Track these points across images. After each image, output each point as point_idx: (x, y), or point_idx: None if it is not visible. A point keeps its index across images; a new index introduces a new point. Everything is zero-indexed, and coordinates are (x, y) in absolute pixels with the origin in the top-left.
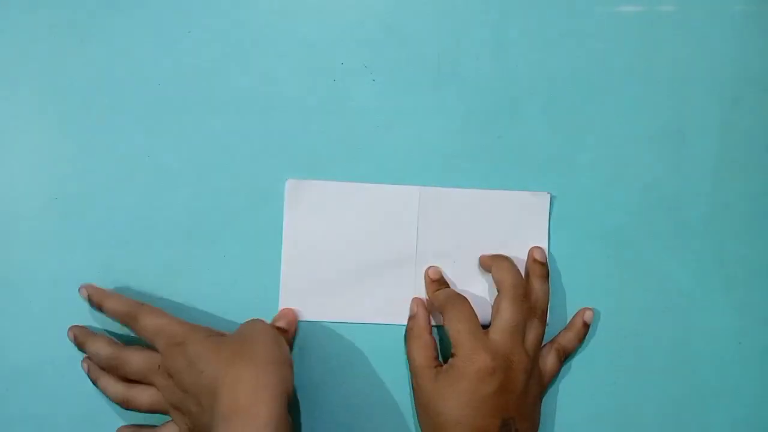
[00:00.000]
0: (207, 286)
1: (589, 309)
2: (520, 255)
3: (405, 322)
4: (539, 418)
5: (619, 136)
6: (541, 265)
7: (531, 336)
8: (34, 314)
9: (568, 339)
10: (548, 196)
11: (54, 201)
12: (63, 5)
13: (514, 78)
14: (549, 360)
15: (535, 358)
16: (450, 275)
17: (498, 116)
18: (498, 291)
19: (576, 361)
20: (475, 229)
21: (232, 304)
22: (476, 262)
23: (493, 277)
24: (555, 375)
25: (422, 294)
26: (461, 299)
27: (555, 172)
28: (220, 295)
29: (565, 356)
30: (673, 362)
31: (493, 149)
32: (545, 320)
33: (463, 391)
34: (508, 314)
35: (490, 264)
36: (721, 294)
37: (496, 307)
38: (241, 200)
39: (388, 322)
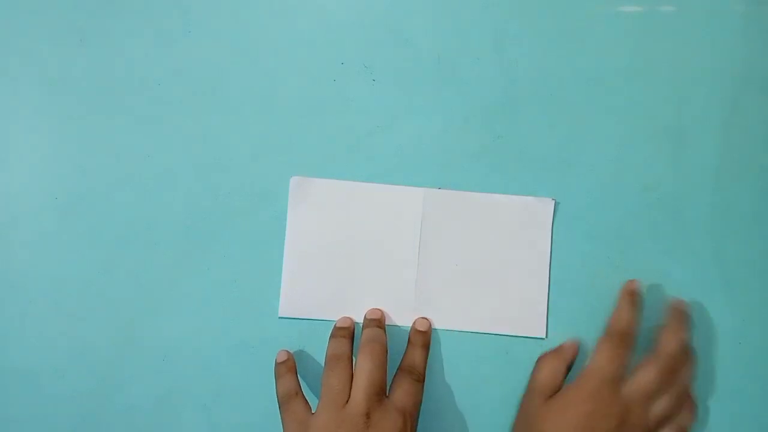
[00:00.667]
0: (207, 286)
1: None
2: (523, 260)
3: (406, 324)
4: None
5: (619, 137)
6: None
7: (661, 408)
8: (34, 314)
9: (686, 418)
10: (552, 202)
11: (54, 201)
12: (63, 5)
13: (514, 78)
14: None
15: (653, 427)
16: (453, 278)
17: (498, 116)
18: (656, 344)
19: (576, 361)
20: (479, 232)
21: (232, 303)
22: (480, 265)
23: (657, 344)
24: None
25: (424, 295)
26: (627, 343)
27: (555, 172)
28: (220, 295)
29: None
30: None
31: (492, 149)
32: (692, 412)
33: (570, 421)
34: (650, 376)
35: (660, 332)
36: (721, 294)
37: (642, 364)
38: (240, 201)
39: (390, 323)
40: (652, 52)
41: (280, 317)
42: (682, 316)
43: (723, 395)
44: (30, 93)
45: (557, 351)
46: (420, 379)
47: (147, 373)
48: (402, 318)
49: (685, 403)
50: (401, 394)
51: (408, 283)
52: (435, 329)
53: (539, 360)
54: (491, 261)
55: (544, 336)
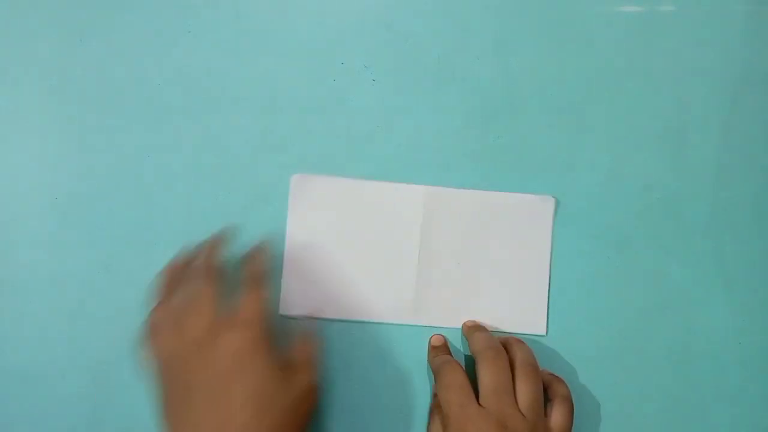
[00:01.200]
0: None
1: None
2: (523, 257)
3: (407, 321)
4: None
5: (620, 136)
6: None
7: (523, 396)
8: (35, 314)
9: (559, 388)
10: (553, 200)
11: (54, 201)
12: (63, 5)
13: (514, 78)
14: (555, 415)
15: (535, 418)
16: (454, 276)
17: (498, 116)
18: (476, 359)
19: (576, 361)
20: (480, 230)
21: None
22: (481, 263)
23: (470, 349)
24: (569, 429)
25: (425, 293)
26: (453, 367)
27: (555, 172)
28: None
29: (569, 404)
30: (673, 362)
31: (492, 149)
32: (538, 377)
33: None
34: (487, 378)
35: (467, 337)
36: (721, 294)
37: (477, 377)
38: (240, 201)
39: (390, 321)
40: (652, 52)
41: (280, 314)
42: (470, 328)
43: (723, 395)
44: (30, 93)
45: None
46: (259, 281)
47: (147, 373)
48: (404, 316)
49: (542, 378)
50: (243, 305)
51: (408, 281)
52: (435, 326)
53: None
54: (492, 258)
55: (544, 333)
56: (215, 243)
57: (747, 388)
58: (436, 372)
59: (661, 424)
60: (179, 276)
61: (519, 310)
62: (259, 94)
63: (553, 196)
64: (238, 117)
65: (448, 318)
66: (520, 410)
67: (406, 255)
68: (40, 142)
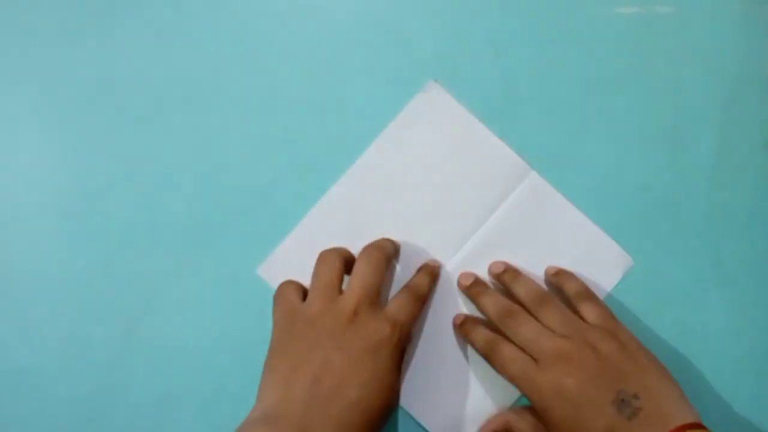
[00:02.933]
0: (207, 286)
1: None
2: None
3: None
4: (664, 369)
5: (618, 136)
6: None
7: (591, 312)
8: (35, 314)
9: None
10: (631, 262)
11: (54, 201)
12: (63, 5)
13: (514, 78)
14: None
15: (608, 326)
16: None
17: (498, 116)
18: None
19: None
20: (547, 243)
21: (232, 303)
22: (529, 273)
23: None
24: (613, 319)
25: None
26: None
27: (553, 172)
28: (220, 295)
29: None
30: (671, 362)
31: None
32: (594, 299)
33: (565, 378)
34: (557, 317)
35: (510, 284)
36: (719, 294)
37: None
38: (240, 200)
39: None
40: (651, 53)
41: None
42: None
43: (722, 395)
44: (30, 93)
45: (492, 344)
46: (419, 298)
47: (147, 373)
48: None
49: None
50: (396, 306)
51: (461, 241)
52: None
53: (493, 363)
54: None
55: None
56: (390, 242)
57: (744, 388)
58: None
59: None
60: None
61: None
62: (259, 94)
63: (632, 259)
64: (238, 117)
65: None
66: (590, 324)
67: (471, 218)
68: (40, 142)
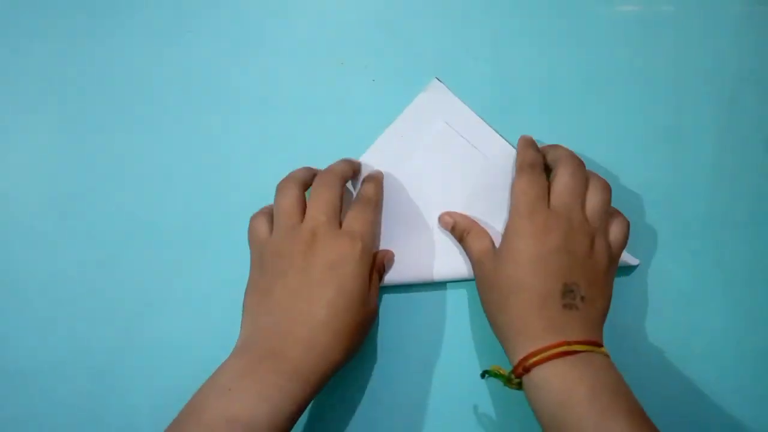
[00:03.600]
0: (207, 286)
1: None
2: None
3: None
4: (611, 293)
5: (618, 136)
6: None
7: (592, 203)
8: (34, 314)
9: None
10: (636, 261)
11: (54, 201)
12: (63, 5)
13: (514, 78)
14: (614, 229)
15: (597, 225)
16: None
17: (498, 116)
18: (555, 166)
19: None
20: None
21: (232, 303)
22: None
23: (548, 160)
24: (623, 244)
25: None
26: (539, 170)
27: None
28: (220, 294)
29: (626, 223)
30: (673, 362)
31: None
32: (608, 192)
33: (522, 251)
34: (565, 178)
35: (546, 152)
36: (720, 294)
37: (553, 176)
38: (240, 200)
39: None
40: (652, 52)
41: None
42: (553, 146)
43: (723, 395)
44: (29, 93)
45: (464, 228)
46: (369, 203)
47: (147, 373)
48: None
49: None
50: (349, 219)
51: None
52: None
53: (465, 244)
54: None
55: None
56: (347, 162)
57: (746, 388)
58: (526, 163)
59: (661, 423)
60: (306, 180)
61: None
62: (259, 94)
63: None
64: (238, 117)
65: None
66: (585, 213)
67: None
68: (40, 142)
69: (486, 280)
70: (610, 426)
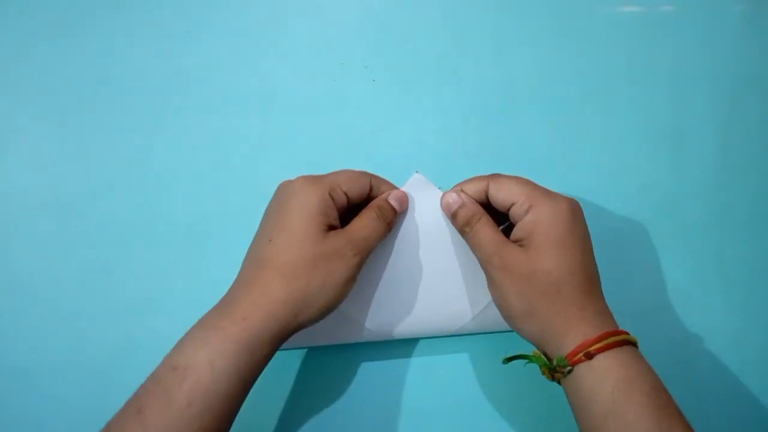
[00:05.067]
0: (207, 286)
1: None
2: None
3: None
4: None
5: (619, 137)
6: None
7: None
8: (34, 314)
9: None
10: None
11: (54, 201)
12: (63, 5)
13: (514, 78)
14: None
15: None
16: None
17: (498, 116)
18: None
19: None
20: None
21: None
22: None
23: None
24: None
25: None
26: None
27: (554, 173)
28: (220, 295)
29: None
30: (672, 362)
31: (492, 149)
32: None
33: (566, 237)
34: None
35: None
36: (720, 294)
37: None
38: (241, 200)
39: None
40: (652, 52)
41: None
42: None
43: (723, 395)
44: (30, 93)
45: (471, 213)
46: (384, 219)
47: (147, 373)
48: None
49: None
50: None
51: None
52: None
53: (471, 236)
54: None
55: None
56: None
57: (746, 388)
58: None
59: None
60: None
61: None
62: (259, 94)
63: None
64: (238, 117)
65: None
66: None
67: (444, 263)
68: (40, 143)
69: (516, 272)
70: (673, 426)
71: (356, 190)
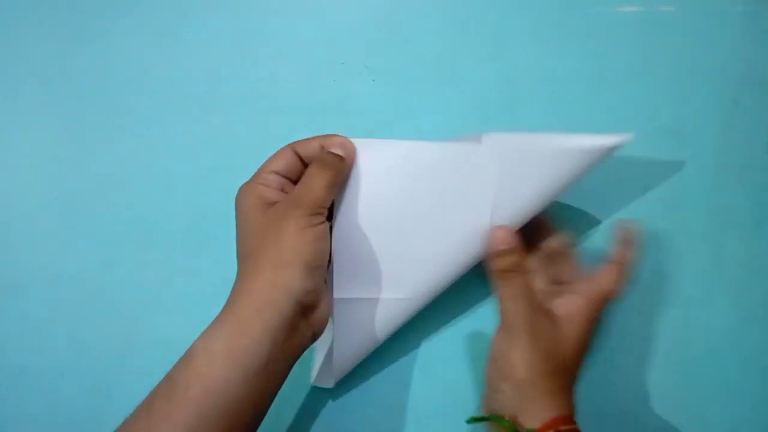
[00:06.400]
0: (207, 286)
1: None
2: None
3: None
4: None
5: None
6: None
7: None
8: (34, 314)
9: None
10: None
11: (54, 201)
12: (63, 5)
13: (514, 78)
14: None
15: None
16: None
17: (498, 116)
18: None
19: None
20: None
21: None
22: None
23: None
24: None
25: None
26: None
27: None
28: (220, 295)
29: None
30: (673, 362)
31: None
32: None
33: (593, 323)
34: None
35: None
36: (721, 294)
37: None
38: None
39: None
40: (652, 52)
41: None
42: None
43: (723, 395)
44: (30, 93)
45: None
46: (325, 167)
47: (147, 373)
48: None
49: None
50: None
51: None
52: None
53: (503, 290)
54: None
55: None
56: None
57: (746, 387)
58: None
59: (661, 424)
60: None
61: None
62: (259, 94)
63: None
64: (238, 117)
65: None
66: None
67: (476, 221)
68: (40, 142)
69: (538, 341)
70: None
71: (281, 163)
